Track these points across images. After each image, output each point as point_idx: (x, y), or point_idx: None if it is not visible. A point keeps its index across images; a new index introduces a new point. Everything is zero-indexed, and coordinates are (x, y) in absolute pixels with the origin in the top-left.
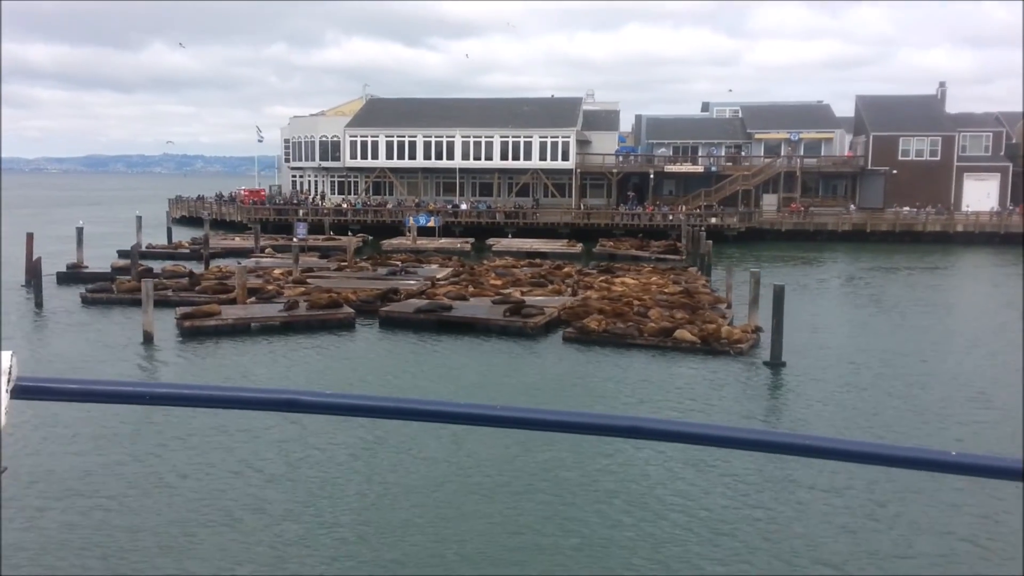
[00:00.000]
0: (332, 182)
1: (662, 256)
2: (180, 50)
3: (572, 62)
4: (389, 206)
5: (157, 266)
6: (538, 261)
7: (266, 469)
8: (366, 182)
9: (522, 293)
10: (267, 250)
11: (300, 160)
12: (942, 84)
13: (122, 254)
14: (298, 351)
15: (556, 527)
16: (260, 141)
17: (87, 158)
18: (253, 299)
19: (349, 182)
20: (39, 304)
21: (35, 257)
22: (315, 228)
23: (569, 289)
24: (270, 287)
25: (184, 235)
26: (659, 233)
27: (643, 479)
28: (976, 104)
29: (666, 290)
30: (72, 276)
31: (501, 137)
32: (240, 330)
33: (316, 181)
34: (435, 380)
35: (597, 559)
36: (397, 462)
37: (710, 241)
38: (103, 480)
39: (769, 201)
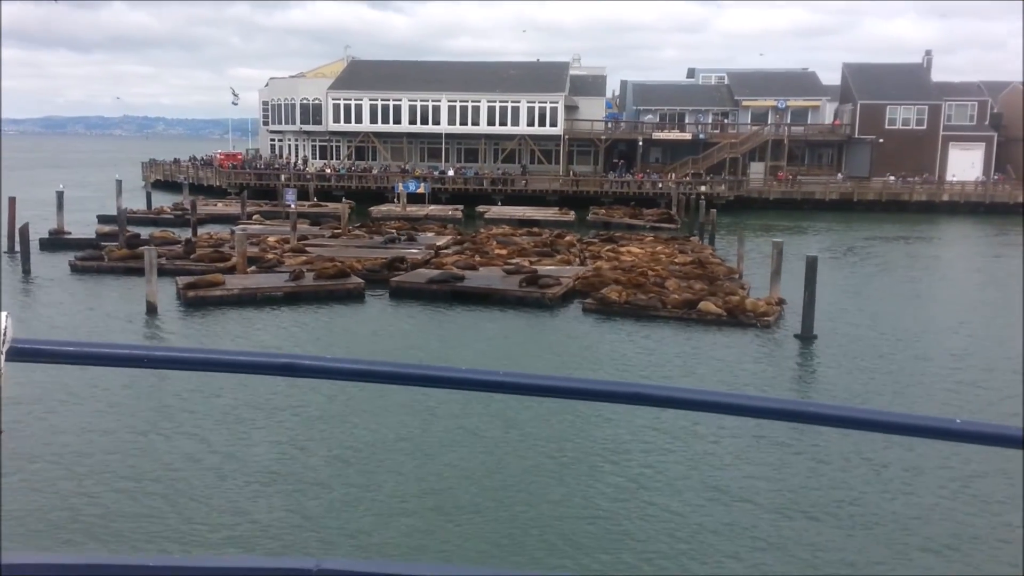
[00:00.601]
0: (313, 146)
1: (657, 225)
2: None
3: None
4: (375, 172)
5: (143, 232)
6: (536, 230)
7: (264, 434)
8: (349, 147)
9: (530, 263)
10: (255, 216)
11: (279, 123)
12: (928, 52)
13: (103, 219)
14: (307, 323)
15: (557, 490)
16: (235, 104)
17: (44, 119)
18: (253, 268)
19: (331, 146)
20: (27, 271)
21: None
22: (300, 194)
23: (577, 259)
24: (269, 256)
25: (160, 200)
26: (649, 201)
27: (643, 445)
28: (941, 74)
29: (676, 260)
30: (55, 243)
31: (488, 102)
32: (246, 300)
33: (296, 145)
34: (453, 353)
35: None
36: (396, 426)
37: (713, 210)
38: (100, 444)
39: (756, 169)
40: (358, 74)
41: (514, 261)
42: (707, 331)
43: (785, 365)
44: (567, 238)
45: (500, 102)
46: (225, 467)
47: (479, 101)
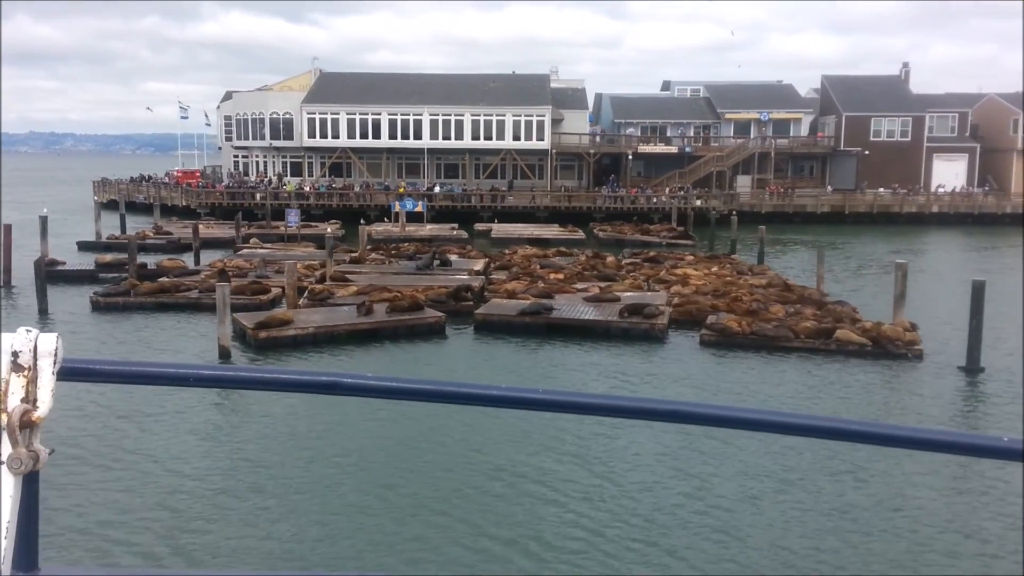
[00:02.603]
0: (284, 162)
1: (673, 241)
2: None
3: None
4: (357, 189)
5: (108, 257)
6: (565, 249)
7: (307, 453)
8: (325, 163)
9: (599, 289)
10: (252, 240)
11: (246, 139)
12: (905, 64)
13: (83, 246)
14: (395, 363)
15: (602, 510)
16: (184, 118)
17: None
18: (302, 301)
19: (305, 163)
20: (43, 311)
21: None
22: (277, 214)
23: (646, 284)
24: (315, 287)
25: (111, 223)
26: (643, 216)
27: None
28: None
29: (750, 283)
30: (52, 275)
31: (472, 116)
32: (321, 339)
33: (265, 162)
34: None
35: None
36: (436, 445)
37: (763, 227)
38: (147, 463)
39: (743, 182)
40: (330, 87)
41: (580, 287)
42: (849, 363)
43: (958, 401)
44: (608, 259)
45: (485, 116)
46: (258, 482)
47: (462, 115)
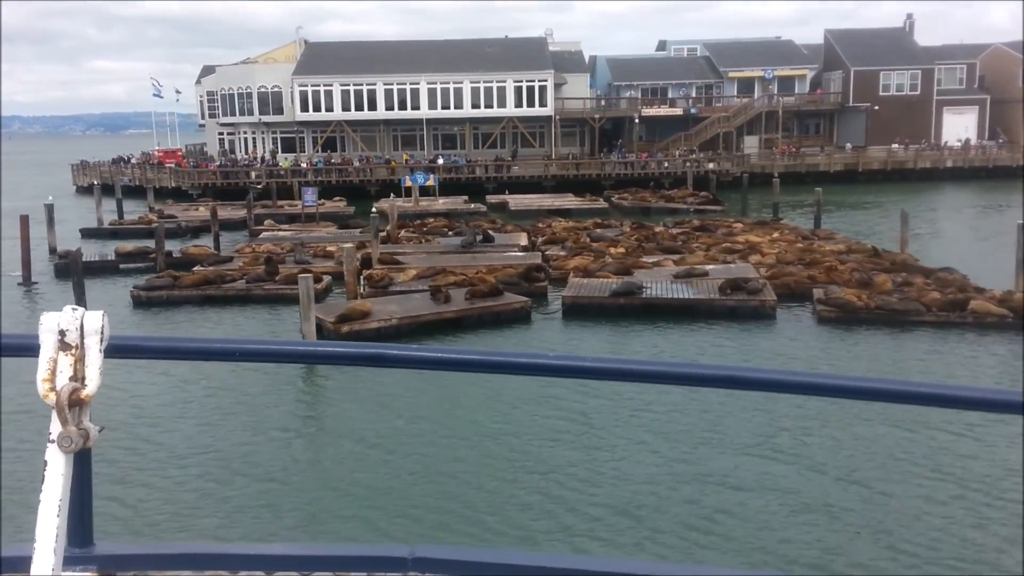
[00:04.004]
0: (275, 138)
1: (701, 208)
2: None
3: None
4: (356, 163)
5: (130, 246)
6: (602, 220)
7: (357, 427)
8: (318, 138)
9: (673, 263)
10: (267, 221)
11: (231, 115)
12: (909, 16)
13: (86, 233)
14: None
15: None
16: (158, 96)
17: None
18: (364, 290)
19: (297, 138)
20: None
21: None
22: (263, 193)
23: (710, 254)
24: (375, 272)
25: (86, 206)
26: (654, 181)
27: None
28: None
29: (831, 249)
30: (70, 268)
31: (471, 83)
32: (405, 331)
33: (254, 138)
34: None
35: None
36: (486, 414)
37: (819, 188)
38: (195, 439)
39: (750, 143)
40: (320, 57)
41: (652, 261)
42: (988, 337)
43: None
44: (658, 229)
45: (485, 83)
46: (315, 457)
47: (461, 82)
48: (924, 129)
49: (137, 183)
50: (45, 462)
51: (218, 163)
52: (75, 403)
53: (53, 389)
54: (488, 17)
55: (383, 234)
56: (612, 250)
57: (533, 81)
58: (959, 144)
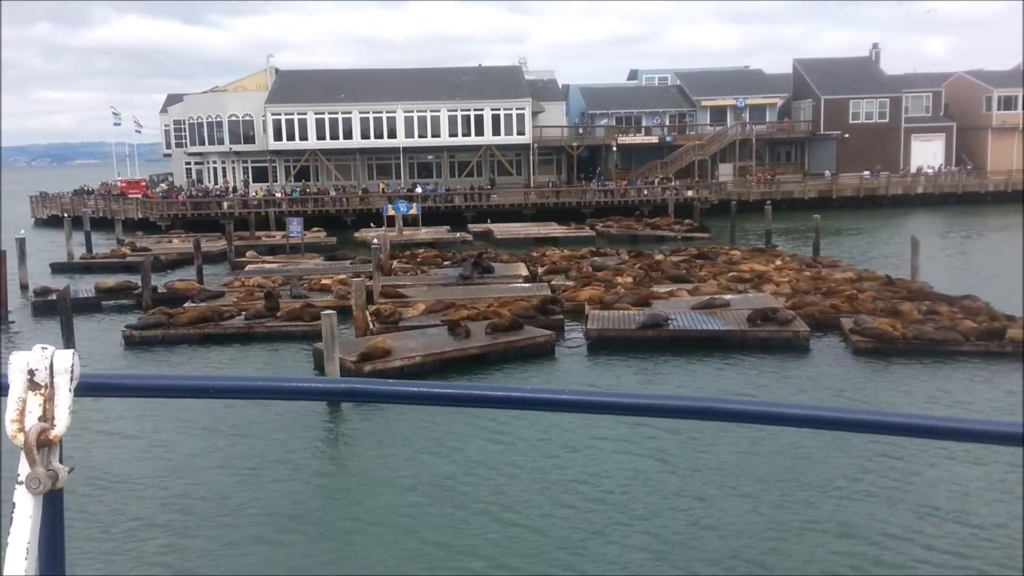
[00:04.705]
0: (246, 167)
1: (688, 235)
2: None
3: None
4: (332, 193)
5: (111, 281)
6: (597, 248)
7: (330, 463)
8: (291, 167)
9: (688, 293)
10: (248, 253)
11: (200, 144)
12: (875, 45)
13: (56, 268)
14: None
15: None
16: (117, 124)
17: None
18: (373, 325)
19: (269, 167)
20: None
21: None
22: (240, 224)
23: (722, 283)
24: (384, 307)
25: (48, 239)
26: (633, 209)
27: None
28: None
29: (841, 278)
30: (49, 306)
31: (448, 111)
32: (428, 370)
33: (223, 167)
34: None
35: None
36: (458, 450)
37: (817, 216)
38: (165, 479)
39: (725, 171)
40: (292, 85)
41: (665, 292)
42: None
43: None
44: (658, 257)
45: (463, 111)
46: (284, 493)
47: (439, 110)
48: (893, 156)
49: (101, 214)
50: (13, 504)
51: (188, 193)
52: (44, 443)
53: (22, 430)
54: (443, 48)
55: (368, 264)
56: (620, 279)
57: (511, 109)
58: (932, 171)
